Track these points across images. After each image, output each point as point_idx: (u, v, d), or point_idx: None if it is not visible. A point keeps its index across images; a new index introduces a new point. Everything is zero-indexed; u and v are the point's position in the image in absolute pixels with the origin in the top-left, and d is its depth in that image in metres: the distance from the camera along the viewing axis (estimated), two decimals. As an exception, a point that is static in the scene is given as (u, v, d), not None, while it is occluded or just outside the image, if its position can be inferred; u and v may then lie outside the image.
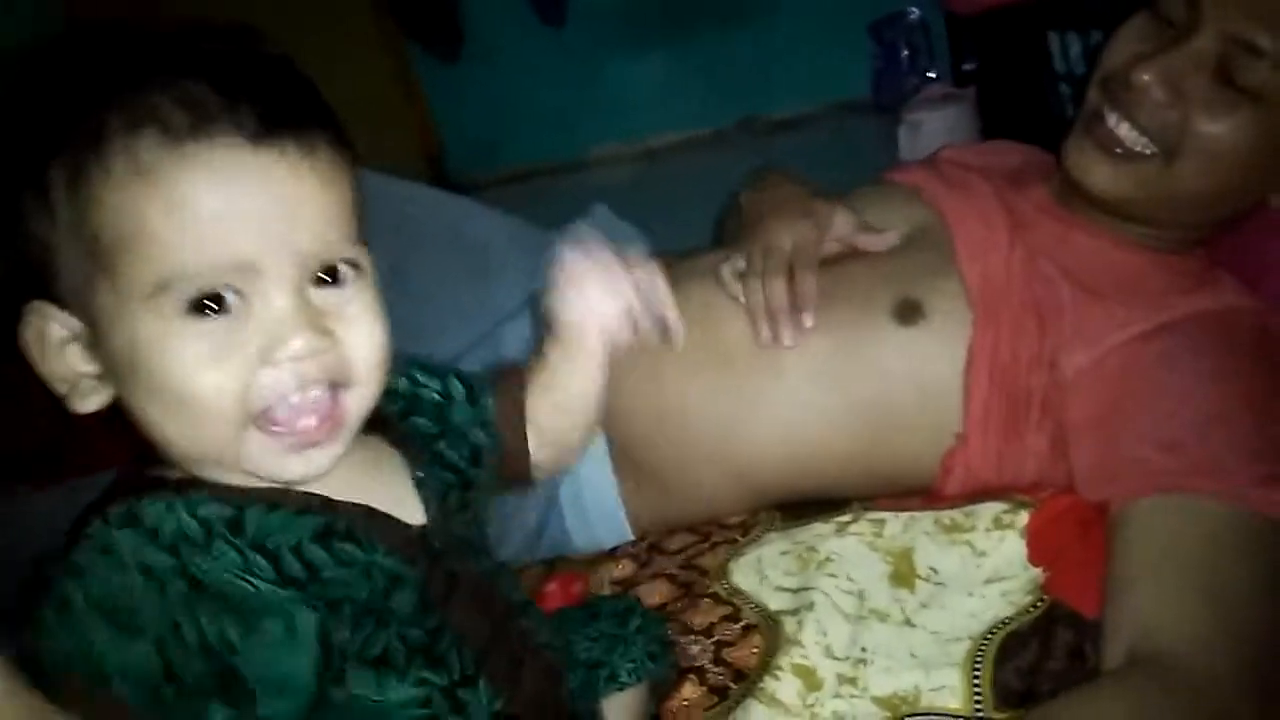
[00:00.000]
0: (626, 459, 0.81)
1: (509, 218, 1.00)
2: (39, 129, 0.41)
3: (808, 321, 0.75)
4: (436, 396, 0.56)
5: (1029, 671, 0.61)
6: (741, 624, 0.68)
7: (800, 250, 0.77)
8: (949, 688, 0.61)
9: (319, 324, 0.42)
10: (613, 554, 0.81)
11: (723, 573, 0.73)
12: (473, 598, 0.50)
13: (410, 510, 0.49)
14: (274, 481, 0.44)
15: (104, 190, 0.40)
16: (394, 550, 0.47)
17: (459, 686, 0.47)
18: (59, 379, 0.43)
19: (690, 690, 0.64)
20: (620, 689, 0.61)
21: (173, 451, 0.43)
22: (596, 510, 0.82)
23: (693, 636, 0.68)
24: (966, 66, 1.70)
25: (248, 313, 0.41)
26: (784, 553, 0.72)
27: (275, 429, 0.42)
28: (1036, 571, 0.66)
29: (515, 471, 0.59)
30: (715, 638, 0.68)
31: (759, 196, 0.85)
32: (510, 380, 0.59)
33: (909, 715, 0.60)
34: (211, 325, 0.40)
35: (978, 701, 0.60)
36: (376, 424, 0.50)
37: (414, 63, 1.93)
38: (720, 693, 0.64)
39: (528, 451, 0.59)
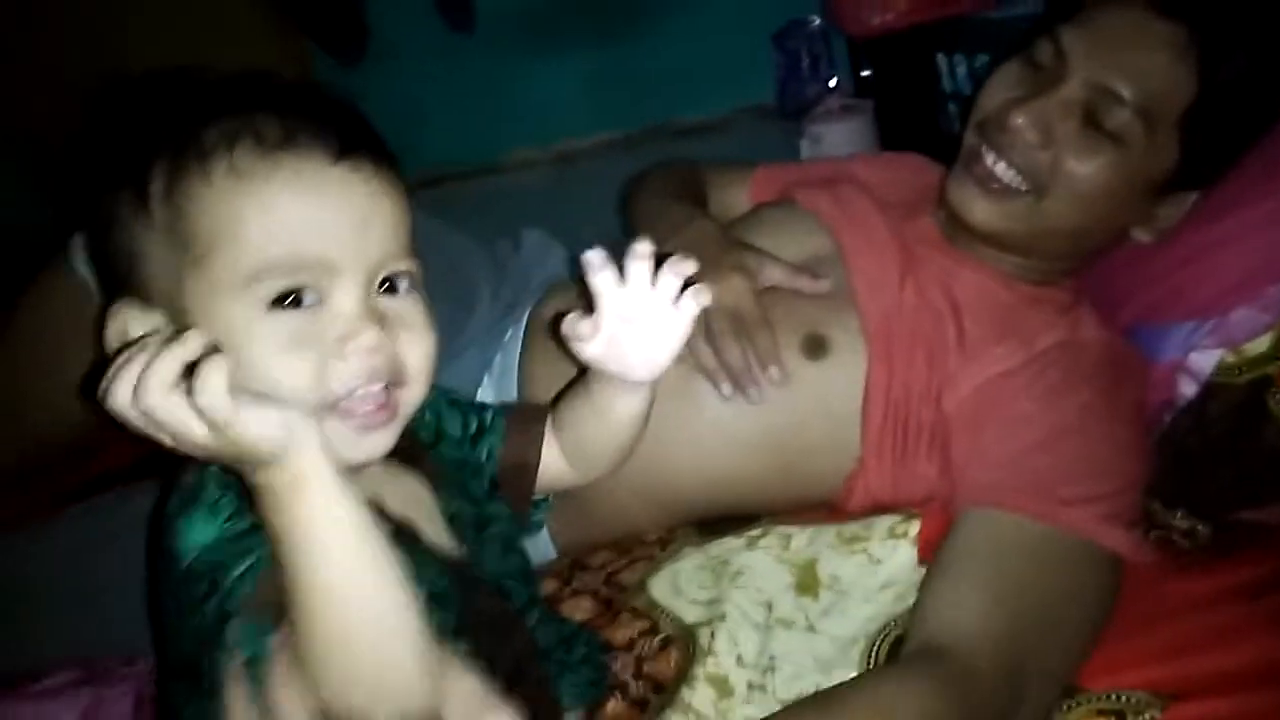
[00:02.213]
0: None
1: (487, 248, 1.02)
2: (143, 140, 0.46)
3: (776, 376, 0.77)
4: (460, 430, 0.60)
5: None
6: (660, 637, 0.73)
7: (743, 309, 0.78)
8: (846, 687, 0.66)
9: (383, 325, 0.47)
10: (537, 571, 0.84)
11: (641, 588, 0.77)
12: (498, 634, 0.54)
13: (446, 543, 0.54)
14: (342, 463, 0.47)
15: (203, 191, 0.45)
16: (441, 567, 0.51)
17: None
18: None
19: (614, 706, 0.68)
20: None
21: None
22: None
23: (614, 653, 0.72)
24: (865, 74, 1.78)
25: (323, 310, 0.46)
26: (699, 567, 0.77)
27: (345, 414, 0.47)
28: (924, 572, 0.73)
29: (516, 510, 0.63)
30: (635, 652, 0.72)
31: (684, 246, 0.84)
32: (528, 418, 0.63)
33: (811, 716, 0.64)
34: (292, 317, 0.46)
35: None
36: (410, 458, 0.54)
37: (315, 66, 1.88)
38: (641, 705, 0.68)
39: (529, 496, 0.63)
